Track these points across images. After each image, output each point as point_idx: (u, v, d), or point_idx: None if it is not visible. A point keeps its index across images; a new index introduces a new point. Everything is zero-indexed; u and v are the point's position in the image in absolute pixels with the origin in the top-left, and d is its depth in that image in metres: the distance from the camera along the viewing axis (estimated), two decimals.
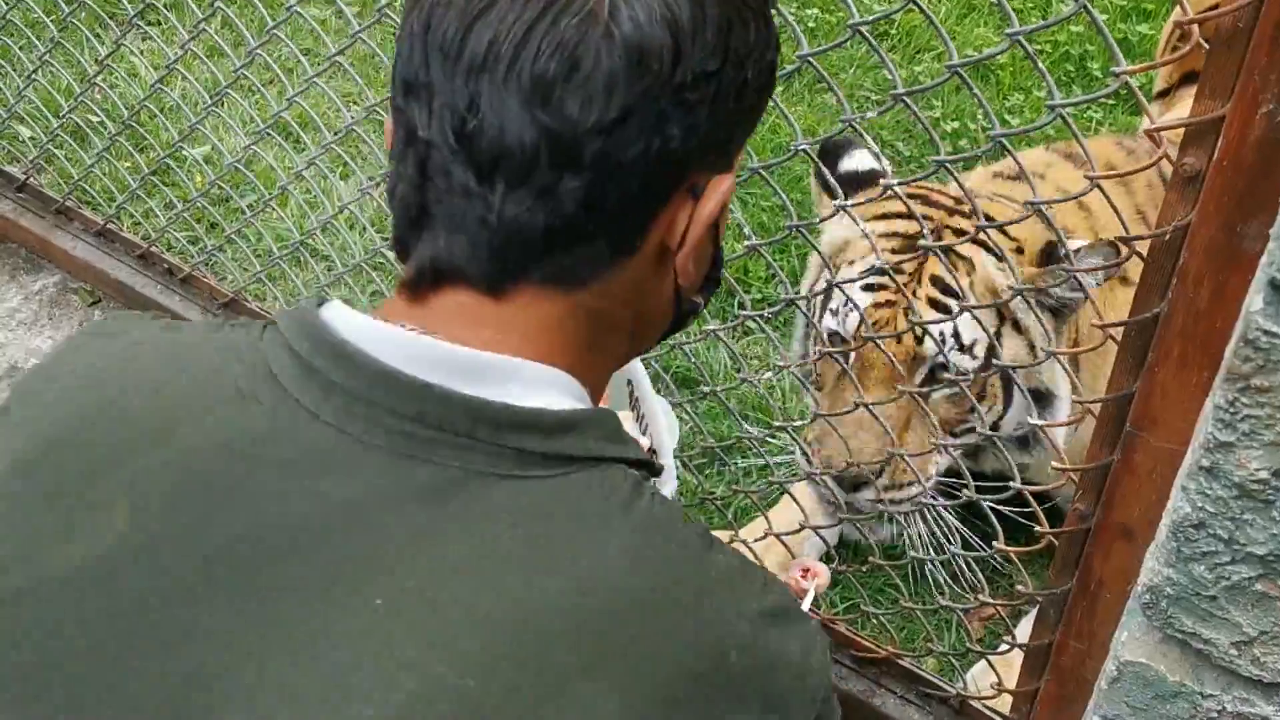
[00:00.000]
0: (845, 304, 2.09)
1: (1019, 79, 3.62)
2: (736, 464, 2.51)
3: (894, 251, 2.07)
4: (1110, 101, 3.51)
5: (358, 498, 0.89)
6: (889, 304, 2.05)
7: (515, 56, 0.89)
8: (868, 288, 2.08)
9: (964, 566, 2.03)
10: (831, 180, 1.73)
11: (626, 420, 1.48)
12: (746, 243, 1.80)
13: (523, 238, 0.93)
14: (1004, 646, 1.94)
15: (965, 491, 1.78)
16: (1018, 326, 1.98)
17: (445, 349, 0.93)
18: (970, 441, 2.12)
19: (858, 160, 2.24)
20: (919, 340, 1.97)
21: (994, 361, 1.98)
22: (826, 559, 2.29)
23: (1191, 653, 1.07)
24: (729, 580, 0.96)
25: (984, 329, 1.85)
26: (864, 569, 2.13)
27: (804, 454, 2.11)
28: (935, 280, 2.01)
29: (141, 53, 3.20)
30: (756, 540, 2.18)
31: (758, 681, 0.94)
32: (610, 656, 0.87)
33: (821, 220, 1.93)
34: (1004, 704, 1.96)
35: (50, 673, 0.87)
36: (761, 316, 1.92)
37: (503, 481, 0.90)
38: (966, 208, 2.13)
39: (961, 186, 1.57)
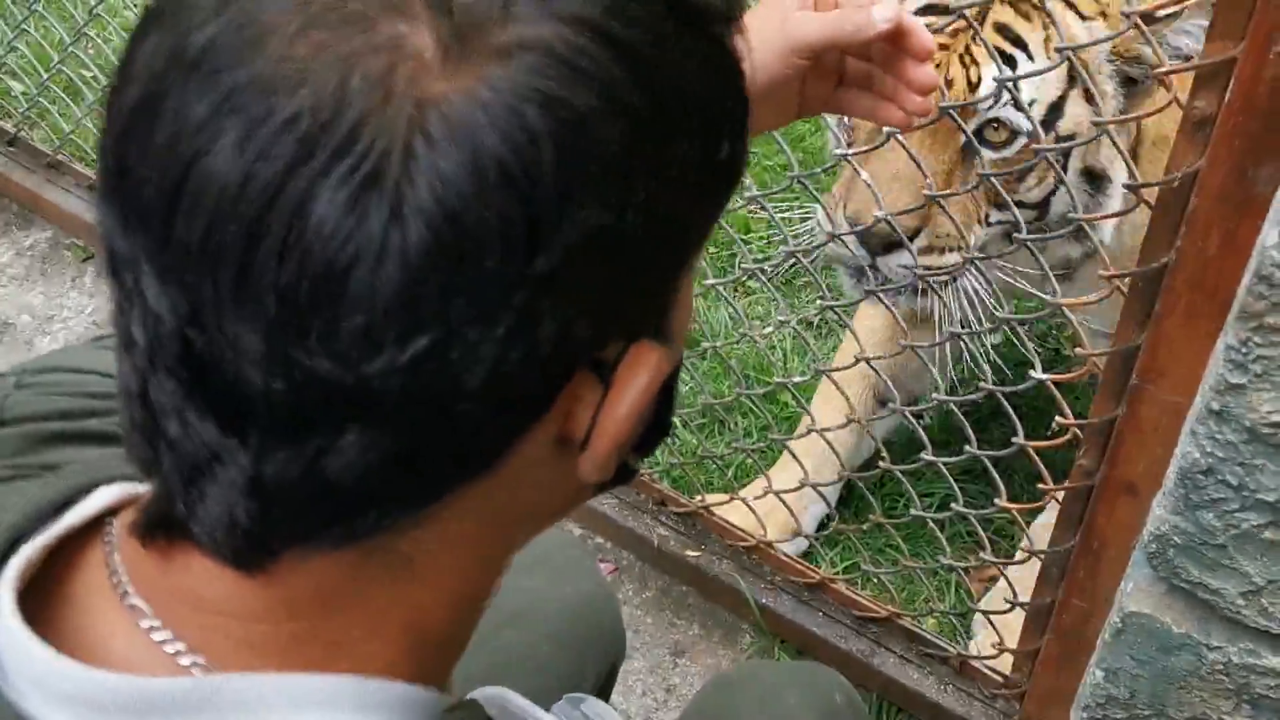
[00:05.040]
0: None
1: None
2: (737, 423, 2.49)
3: None
4: None
5: None
6: (943, 47, 1.78)
7: (246, 254, 0.54)
8: (922, 10, 1.80)
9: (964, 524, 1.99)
10: None
11: None
12: (748, 194, 1.78)
13: (294, 507, 0.62)
14: (1003, 605, 1.92)
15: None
16: (1089, 96, 1.77)
17: (101, 682, 0.65)
18: (1011, 220, 1.82)
19: None
20: (972, 86, 1.75)
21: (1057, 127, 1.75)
22: (826, 519, 2.27)
23: (1198, 603, 1.05)
24: None
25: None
26: (864, 528, 2.11)
27: (825, 213, 1.87)
28: (1001, 28, 1.77)
29: (133, 4, 3.15)
30: (756, 499, 2.16)
31: None
32: None
33: None
34: (1004, 664, 1.95)
35: None
36: (762, 270, 1.89)
37: None
38: None
39: None
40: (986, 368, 1.78)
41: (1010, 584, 1.86)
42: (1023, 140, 1.76)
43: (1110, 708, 1.18)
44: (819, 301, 1.91)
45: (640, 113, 0.59)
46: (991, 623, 1.94)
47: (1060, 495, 1.57)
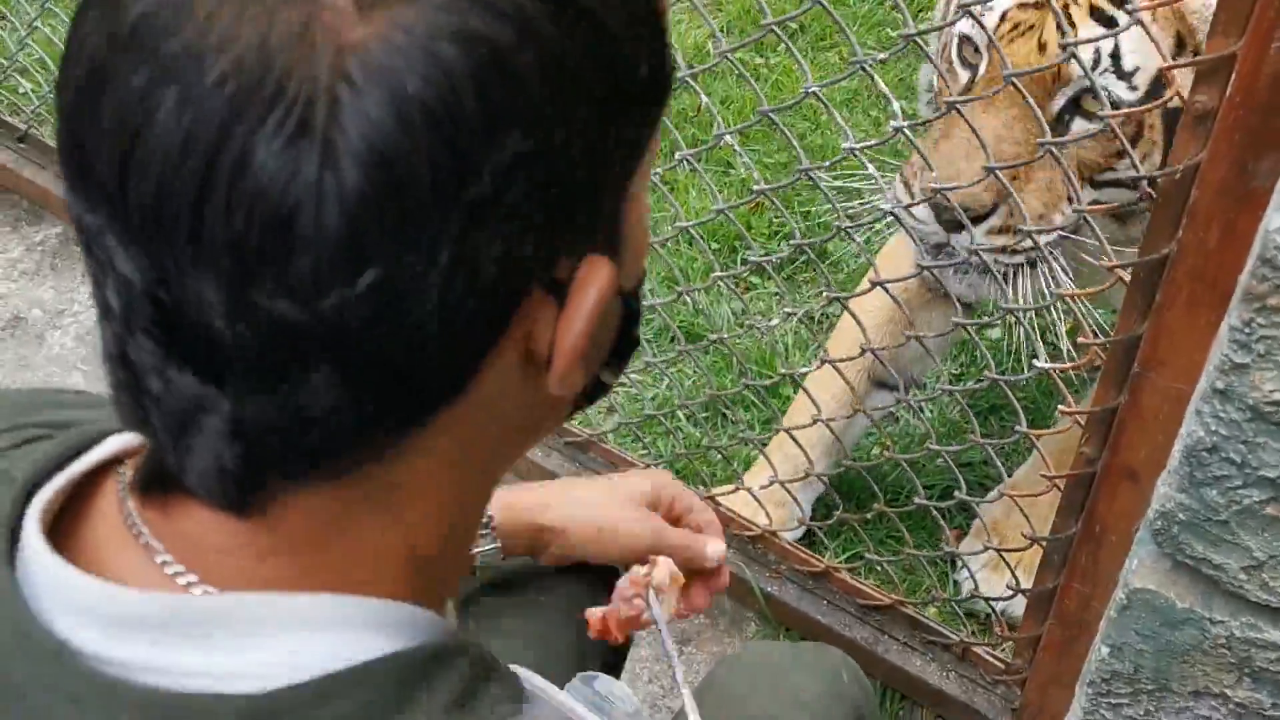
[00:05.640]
0: (985, 2, 1.68)
1: None
2: (740, 416, 2.52)
3: None
4: None
5: None
6: (1038, 5, 1.68)
7: (197, 212, 0.58)
8: None
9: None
10: None
11: None
12: (756, 186, 1.81)
13: (276, 448, 0.65)
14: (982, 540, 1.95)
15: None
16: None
17: (127, 600, 0.68)
18: (1111, 201, 1.70)
19: None
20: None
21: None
22: (828, 508, 2.29)
23: (1201, 579, 1.08)
24: None
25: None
26: (868, 517, 2.14)
27: (903, 183, 1.77)
28: None
29: None
30: (762, 489, 2.19)
31: None
32: None
33: None
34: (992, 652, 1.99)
35: None
36: (769, 262, 1.92)
37: None
38: None
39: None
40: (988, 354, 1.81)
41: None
42: (1122, 111, 1.62)
43: (1115, 683, 1.21)
44: (824, 293, 1.94)
45: (552, 40, 0.61)
46: (1005, 560, 1.93)
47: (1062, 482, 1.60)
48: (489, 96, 0.59)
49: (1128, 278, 1.34)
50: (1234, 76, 1.10)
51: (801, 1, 3.02)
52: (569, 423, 2.41)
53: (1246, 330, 0.91)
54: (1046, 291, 1.69)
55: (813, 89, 1.61)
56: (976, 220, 1.65)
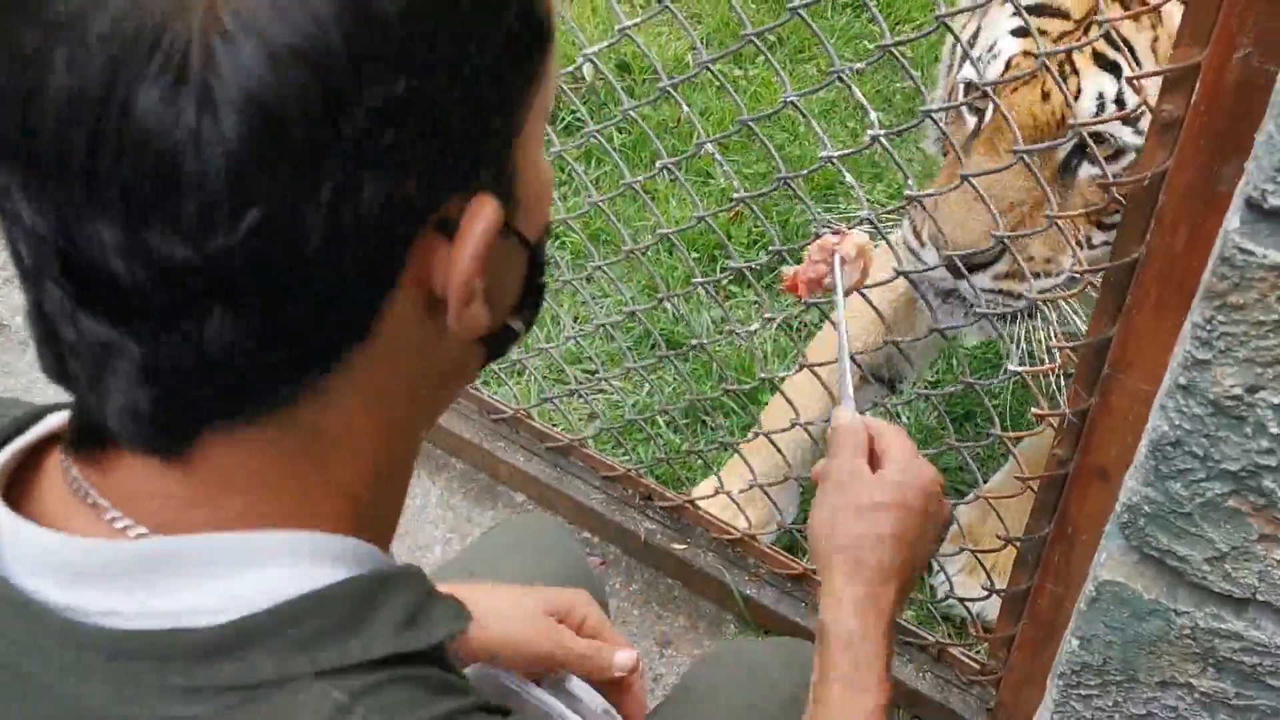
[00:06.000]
0: (990, 49, 1.71)
1: None
2: (720, 423, 2.55)
3: None
4: None
5: None
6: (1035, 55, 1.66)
7: (91, 160, 0.61)
8: (1019, 32, 1.71)
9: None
10: None
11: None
12: (735, 195, 1.84)
13: (187, 389, 0.68)
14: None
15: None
16: None
17: (83, 549, 0.72)
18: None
19: None
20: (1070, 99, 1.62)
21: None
22: (807, 506, 2.31)
23: (1167, 571, 1.11)
24: None
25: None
26: None
27: (911, 229, 1.80)
28: (1105, 31, 1.63)
29: None
30: (741, 492, 2.21)
31: None
32: None
33: None
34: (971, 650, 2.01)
35: None
36: (749, 269, 1.95)
37: None
38: None
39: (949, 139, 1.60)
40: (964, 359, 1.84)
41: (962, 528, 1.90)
42: (1130, 156, 1.66)
43: (1084, 675, 1.24)
44: (802, 301, 1.97)
45: None
46: (980, 561, 1.97)
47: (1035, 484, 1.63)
48: (356, 41, 0.62)
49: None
50: (1199, 85, 1.13)
51: (780, 14, 3.05)
52: (550, 427, 2.43)
53: (1208, 327, 0.94)
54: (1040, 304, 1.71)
55: (791, 99, 1.65)
56: (983, 266, 1.67)
